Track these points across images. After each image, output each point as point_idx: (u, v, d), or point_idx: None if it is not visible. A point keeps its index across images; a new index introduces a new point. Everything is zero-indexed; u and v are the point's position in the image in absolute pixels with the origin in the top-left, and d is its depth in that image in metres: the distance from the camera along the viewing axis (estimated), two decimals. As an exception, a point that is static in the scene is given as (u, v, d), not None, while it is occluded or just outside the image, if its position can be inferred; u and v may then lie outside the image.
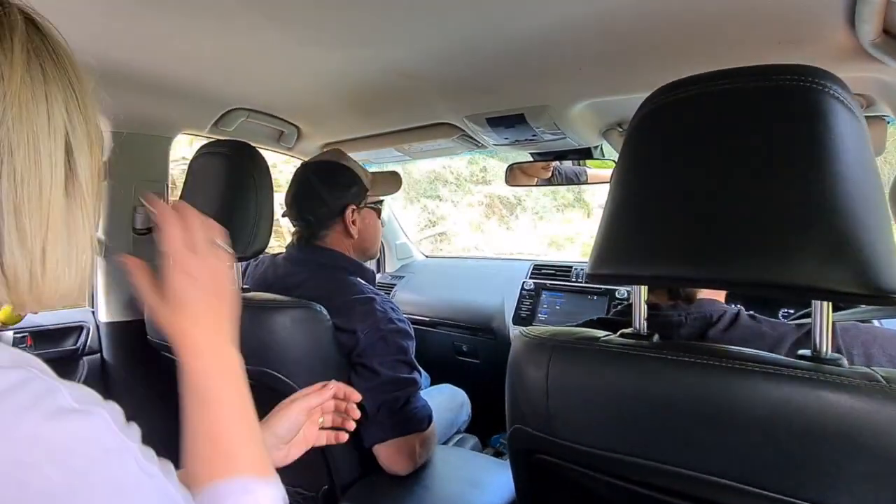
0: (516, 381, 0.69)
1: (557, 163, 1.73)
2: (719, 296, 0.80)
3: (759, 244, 0.50)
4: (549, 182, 1.76)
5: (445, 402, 1.65)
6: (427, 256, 2.60)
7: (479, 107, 1.34)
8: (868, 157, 0.51)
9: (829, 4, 0.77)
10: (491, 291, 1.96)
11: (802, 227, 0.49)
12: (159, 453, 0.40)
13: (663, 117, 0.60)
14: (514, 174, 1.80)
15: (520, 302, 1.84)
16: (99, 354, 1.43)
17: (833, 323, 0.65)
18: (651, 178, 0.60)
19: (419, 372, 1.09)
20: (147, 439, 0.39)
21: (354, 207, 1.22)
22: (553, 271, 1.89)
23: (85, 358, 1.40)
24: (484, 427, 1.82)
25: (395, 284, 2.26)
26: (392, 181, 1.38)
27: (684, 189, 0.56)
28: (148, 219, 1.27)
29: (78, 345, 1.39)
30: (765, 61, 0.56)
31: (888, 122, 1.10)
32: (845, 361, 0.53)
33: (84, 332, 1.40)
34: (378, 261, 2.43)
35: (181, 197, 1.14)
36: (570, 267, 1.86)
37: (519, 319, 1.80)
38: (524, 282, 1.89)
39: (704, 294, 0.78)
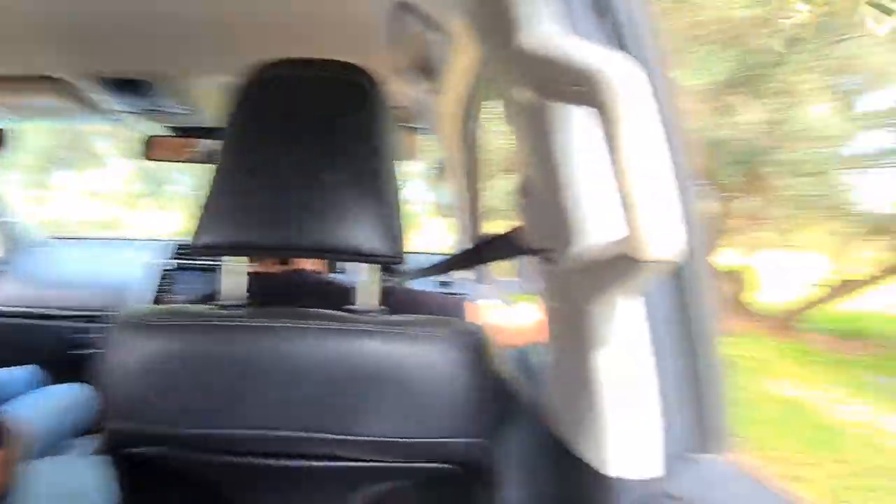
0: (103, 371, 0.62)
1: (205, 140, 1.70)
2: (320, 264, 0.88)
3: (321, 214, 0.59)
4: (191, 159, 1.71)
5: (52, 406, 1.40)
6: (56, 238, 2.14)
7: (94, 64, 1.21)
8: (391, 150, 0.64)
9: (380, 29, 0.96)
10: (128, 273, 1.79)
11: (348, 199, 0.59)
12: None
13: (251, 96, 0.65)
14: (153, 147, 1.68)
15: (160, 283, 1.75)
16: None
17: (385, 286, 0.77)
18: (241, 154, 0.64)
19: None
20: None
21: None
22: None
23: None
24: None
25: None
26: None
27: (267, 165, 0.62)
28: None
29: None
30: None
31: (416, 132, 1.46)
32: (382, 315, 0.62)
33: None
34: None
35: None
36: None
37: (157, 301, 1.71)
38: (166, 262, 1.80)
39: (308, 264, 0.85)
